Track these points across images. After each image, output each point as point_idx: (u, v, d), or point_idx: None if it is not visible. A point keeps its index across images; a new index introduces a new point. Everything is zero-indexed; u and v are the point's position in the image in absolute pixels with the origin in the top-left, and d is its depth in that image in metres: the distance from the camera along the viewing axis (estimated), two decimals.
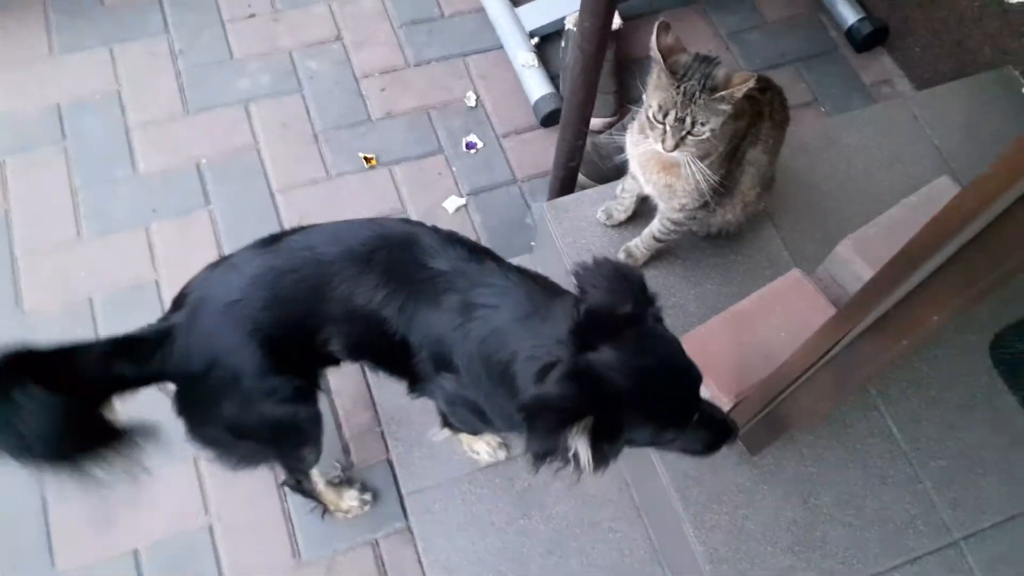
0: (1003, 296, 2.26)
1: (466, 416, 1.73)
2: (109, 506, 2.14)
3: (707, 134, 1.72)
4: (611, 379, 1.29)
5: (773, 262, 2.28)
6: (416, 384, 1.72)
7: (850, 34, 3.16)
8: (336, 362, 1.77)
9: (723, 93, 1.66)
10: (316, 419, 1.77)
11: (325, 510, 2.17)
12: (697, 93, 1.66)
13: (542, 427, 1.24)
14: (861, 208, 2.27)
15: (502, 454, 2.19)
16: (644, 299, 1.38)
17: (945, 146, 2.53)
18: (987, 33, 2.78)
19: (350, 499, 2.17)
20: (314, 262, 1.55)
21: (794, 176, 2.41)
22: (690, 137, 1.72)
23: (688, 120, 1.69)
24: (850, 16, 3.15)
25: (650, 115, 1.75)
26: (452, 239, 1.60)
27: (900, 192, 2.21)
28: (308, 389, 1.71)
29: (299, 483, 2.05)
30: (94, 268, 2.49)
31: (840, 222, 2.24)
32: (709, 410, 1.47)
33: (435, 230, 1.61)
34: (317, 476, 2.05)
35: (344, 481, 2.22)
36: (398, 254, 1.56)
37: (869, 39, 3.13)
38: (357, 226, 1.63)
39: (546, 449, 1.25)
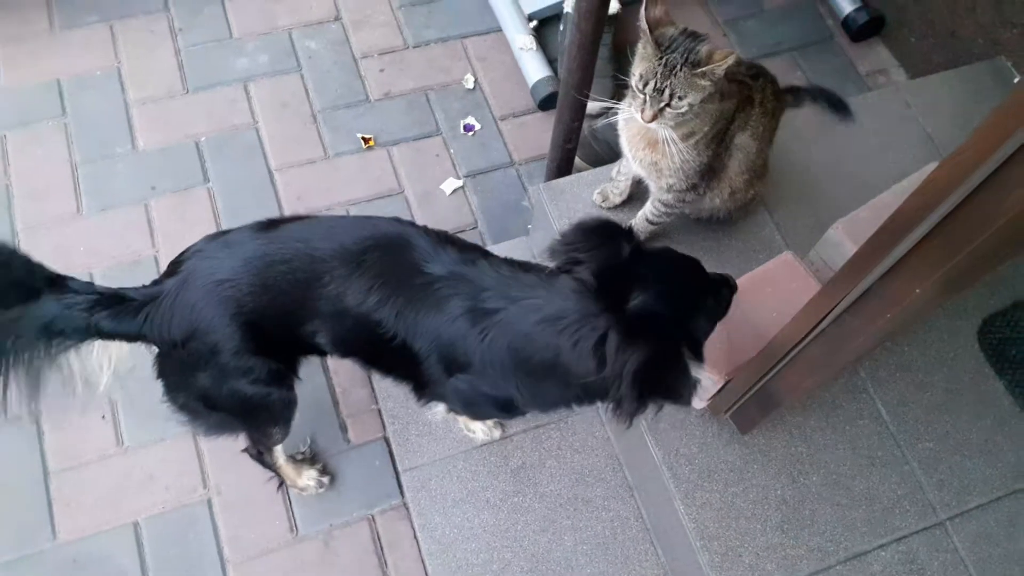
0: (991, 282, 2.30)
1: (488, 411, 1.80)
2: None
3: (685, 108, 1.73)
4: (660, 314, 1.43)
5: (766, 246, 2.31)
6: (424, 388, 1.74)
7: (846, 23, 3.19)
8: (323, 353, 1.79)
9: (704, 69, 1.68)
10: (288, 403, 1.80)
11: (282, 483, 2.20)
12: (678, 66, 1.68)
13: (647, 378, 1.38)
14: (853, 193, 2.29)
15: (497, 433, 2.22)
16: (629, 236, 1.54)
17: (937, 134, 2.56)
18: (980, 24, 2.81)
19: (308, 478, 2.20)
20: (307, 256, 1.56)
21: (788, 161, 2.44)
22: (668, 110, 1.74)
23: (667, 92, 1.71)
24: (846, 6, 3.18)
25: (632, 84, 1.77)
26: (443, 240, 1.62)
27: (892, 178, 2.24)
28: (284, 373, 1.74)
29: (260, 454, 2.09)
30: (93, 243, 2.51)
31: (832, 207, 2.26)
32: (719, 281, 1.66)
33: (426, 231, 1.63)
34: (279, 451, 2.08)
35: (307, 459, 2.25)
36: (391, 256, 1.57)
37: (865, 29, 3.16)
38: (351, 224, 1.65)
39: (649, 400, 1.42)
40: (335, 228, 1.63)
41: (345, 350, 1.75)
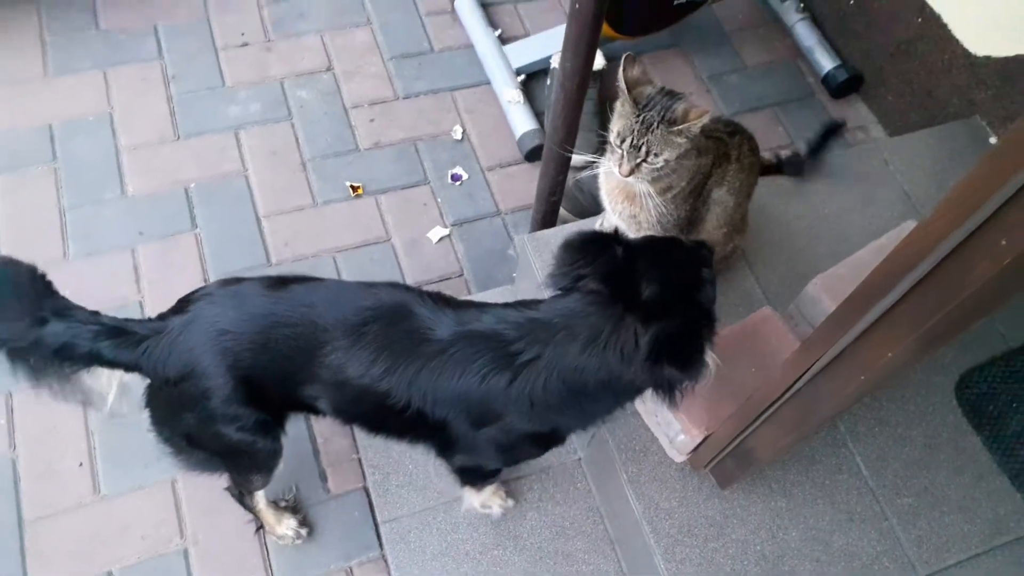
0: (968, 338, 2.33)
1: (527, 451, 1.83)
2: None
3: (661, 163, 1.78)
4: (671, 297, 1.52)
5: (746, 299, 2.34)
6: (450, 448, 1.75)
7: (826, 81, 3.27)
8: (319, 413, 1.79)
9: (680, 127, 1.72)
10: (273, 453, 1.81)
11: (260, 527, 2.19)
12: (655, 124, 1.73)
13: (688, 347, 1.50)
14: (832, 249, 2.33)
15: (511, 503, 2.20)
16: (617, 238, 1.62)
17: (914, 192, 2.61)
18: (955, 84, 2.89)
19: (287, 527, 2.18)
20: (310, 323, 1.58)
21: (768, 216, 2.48)
22: (645, 165, 1.78)
23: (643, 149, 1.75)
24: (827, 63, 3.26)
25: (611, 140, 1.82)
26: (439, 302, 1.64)
27: (870, 234, 2.28)
28: (272, 425, 1.75)
29: (241, 495, 2.08)
30: (79, 288, 2.45)
31: (811, 262, 2.30)
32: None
33: (422, 296, 1.64)
34: (260, 496, 2.07)
35: (289, 508, 2.23)
36: (393, 327, 1.59)
37: (844, 86, 3.24)
38: (355, 292, 1.67)
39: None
40: (340, 296, 1.65)
41: (348, 417, 1.78)
